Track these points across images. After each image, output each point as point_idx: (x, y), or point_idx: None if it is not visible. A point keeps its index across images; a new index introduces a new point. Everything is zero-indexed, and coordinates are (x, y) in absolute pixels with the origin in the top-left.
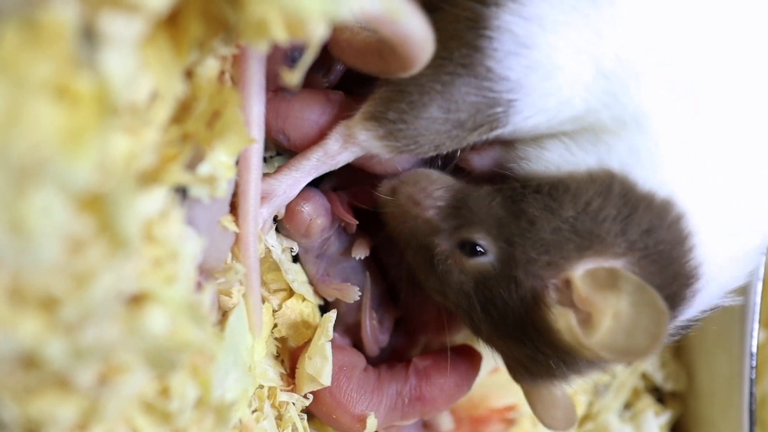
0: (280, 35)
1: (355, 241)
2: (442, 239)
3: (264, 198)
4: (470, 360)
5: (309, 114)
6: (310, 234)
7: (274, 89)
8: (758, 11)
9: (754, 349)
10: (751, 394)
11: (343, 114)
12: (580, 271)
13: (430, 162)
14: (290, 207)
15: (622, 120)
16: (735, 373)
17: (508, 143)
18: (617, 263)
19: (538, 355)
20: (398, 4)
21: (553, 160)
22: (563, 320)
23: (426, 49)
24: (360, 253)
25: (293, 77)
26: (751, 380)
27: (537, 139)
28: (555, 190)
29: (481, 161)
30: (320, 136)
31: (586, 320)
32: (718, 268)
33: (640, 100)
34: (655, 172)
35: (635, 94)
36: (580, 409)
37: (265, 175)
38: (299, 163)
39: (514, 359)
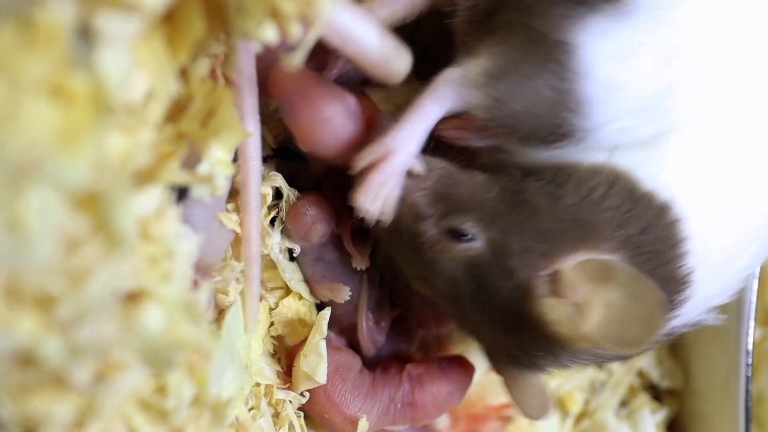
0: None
1: (354, 251)
2: (428, 225)
3: (386, 157)
4: (463, 370)
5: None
6: (309, 237)
7: None
8: None
9: (750, 347)
10: (747, 391)
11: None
12: (571, 263)
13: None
14: (295, 208)
15: (644, 139)
16: (731, 371)
17: None
18: (611, 257)
19: (526, 346)
20: (393, 48)
21: (557, 152)
22: (557, 311)
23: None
24: (360, 264)
25: (293, 59)
26: (747, 378)
27: None
28: (558, 176)
29: (479, 142)
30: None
31: (578, 311)
32: (707, 279)
33: (670, 125)
34: (659, 175)
35: (669, 124)
36: (577, 407)
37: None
38: (411, 110)
39: (499, 349)
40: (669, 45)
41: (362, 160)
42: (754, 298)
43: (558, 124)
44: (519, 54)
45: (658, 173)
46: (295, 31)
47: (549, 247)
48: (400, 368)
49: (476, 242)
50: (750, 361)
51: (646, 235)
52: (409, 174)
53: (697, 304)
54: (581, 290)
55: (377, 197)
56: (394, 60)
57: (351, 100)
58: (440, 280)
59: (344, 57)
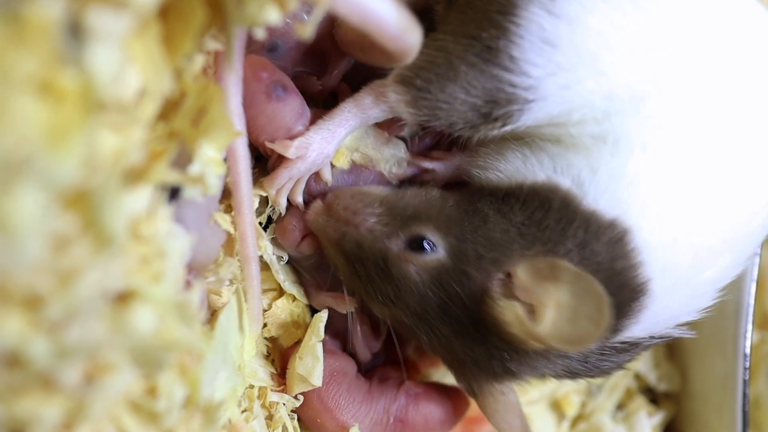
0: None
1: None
2: (391, 242)
3: (300, 157)
4: (459, 402)
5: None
6: (302, 251)
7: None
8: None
9: (748, 350)
10: (745, 395)
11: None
12: (522, 264)
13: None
14: (282, 225)
15: (602, 138)
16: (728, 374)
17: (470, 151)
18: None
19: (493, 352)
20: (408, 20)
21: (507, 171)
22: (510, 312)
23: (413, 54)
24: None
25: (305, 30)
26: (745, 381)
27: (498, 147)
28: (508, 195)
29: (444, 170)
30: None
31: (531, 312)
32: (668, 290)
33: (630, 126)
34: (608, 192)
35: (628, 122)
36: (573, 410)
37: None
38: (332, 114)
39: (471, 361)
40: (620, 14)
41: (280, 149)
42: (752, 302)
43: (497, 88)
44: (450, 37)
45: (606, 191)
46: (294, 5)
47: (498, 254)
48: (398, 382)
49: (438, 251)
50: (747, 364)
51: (585, 250)
52: (357, 206)
53: (660, 315)
54: (532, 290)
55: (283, 190)
56: (410, 32)
57: (302, 109)
58: (408, 297)
59: (345, 61)
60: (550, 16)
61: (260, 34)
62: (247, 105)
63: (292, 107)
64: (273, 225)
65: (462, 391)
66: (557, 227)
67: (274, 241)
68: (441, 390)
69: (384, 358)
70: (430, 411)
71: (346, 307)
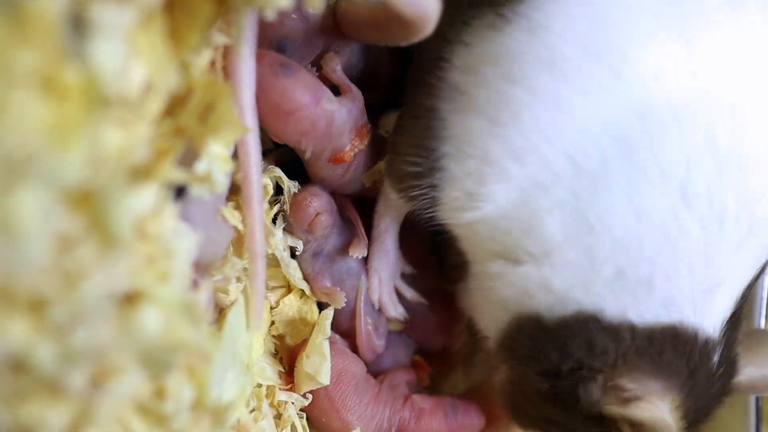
0: None
1: (353, 239)
2: None
3: (378, 279)
4: (468, 423)
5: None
6: (313, 230)
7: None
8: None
9: None
10: None
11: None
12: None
13: None
14: (297, 200)
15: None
16: None
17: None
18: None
19: None
20: None
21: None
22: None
23: (432, 21)
24: (357, 252)
25: (316, 3)
26: None
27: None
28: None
29: None
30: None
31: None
32: None
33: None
34: (551, 294)
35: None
36: None
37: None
38: (373, 238)
39: None
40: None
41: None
42: (765, 295)
43: (426, 126)
44: (407, 98)
45: (549, 294)
46: None
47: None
48: (407, 392)
49: None
50: None
51: (597, 353)
52: None
53: None
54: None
55: (383, 295)
56: None
57: (316, 84)
58: None
59: (350, 48)
60: (467, 76)
61: (270, 15)
62: (258, 91)
63: (303, 82)
64: (282, 211)
65: (476, 411)
66: (563, 348)
67: (287, 229)
68: (450, 408)
69: (390, 356)
70: (429, 430)
71: (339, 302)
